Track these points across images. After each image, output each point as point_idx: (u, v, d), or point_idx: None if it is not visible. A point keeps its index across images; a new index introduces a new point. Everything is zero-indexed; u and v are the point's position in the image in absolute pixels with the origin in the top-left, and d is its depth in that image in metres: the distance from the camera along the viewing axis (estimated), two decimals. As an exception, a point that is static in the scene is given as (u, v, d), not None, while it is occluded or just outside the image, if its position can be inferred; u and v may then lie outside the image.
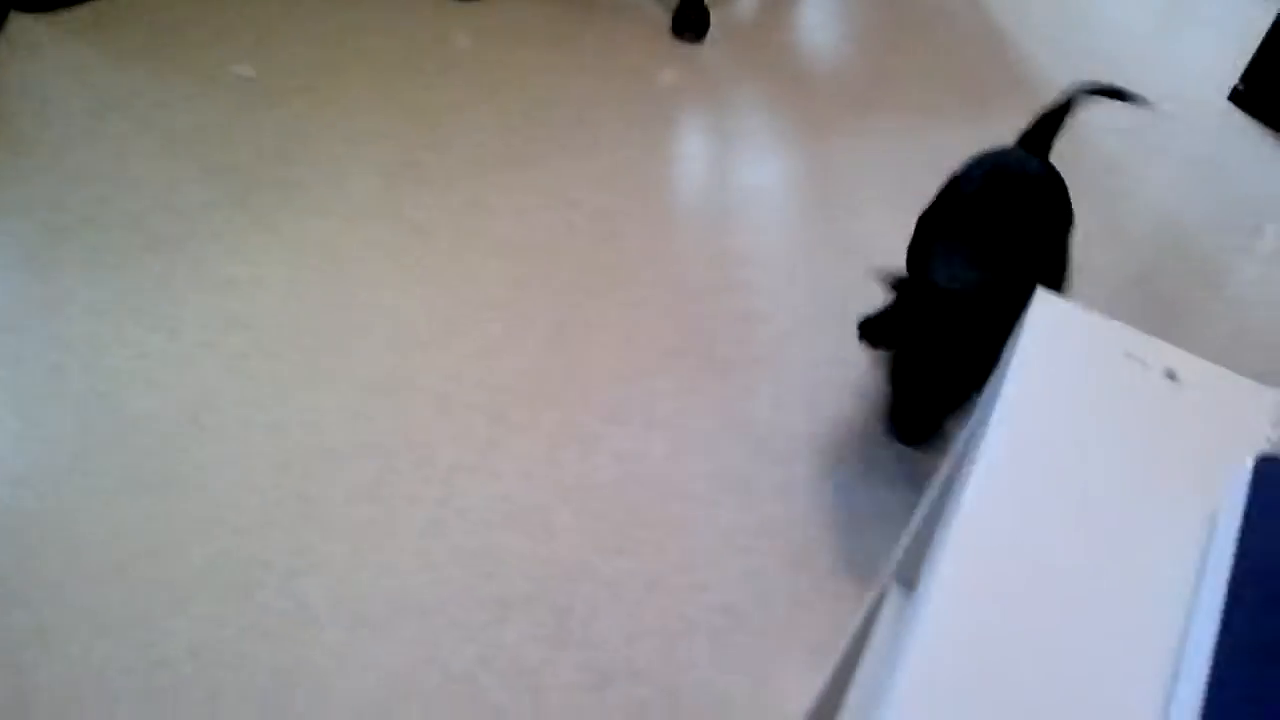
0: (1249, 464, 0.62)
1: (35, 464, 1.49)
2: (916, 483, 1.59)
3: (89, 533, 1.42)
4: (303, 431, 1.56)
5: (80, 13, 2.22)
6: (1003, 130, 1.77)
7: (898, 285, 1.55)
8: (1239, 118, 2.44)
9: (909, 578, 1.09)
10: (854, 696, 1.12)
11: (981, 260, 1.57)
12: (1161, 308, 1.98)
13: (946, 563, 0.60)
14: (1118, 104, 1.78)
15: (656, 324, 1.79)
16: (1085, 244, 1.69)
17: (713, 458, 1.61)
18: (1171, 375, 0.70)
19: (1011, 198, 1.66)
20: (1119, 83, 1.77)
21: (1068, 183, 1.67)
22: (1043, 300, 0.74)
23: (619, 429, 1.63)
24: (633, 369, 1.71)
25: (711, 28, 2.38)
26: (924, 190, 1.68)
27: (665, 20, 2.40)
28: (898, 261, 1.69)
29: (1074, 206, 1.66)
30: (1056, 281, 1.64)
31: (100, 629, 1.32)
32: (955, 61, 2.47)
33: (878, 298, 1.55)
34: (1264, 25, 2.38)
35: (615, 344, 1.75)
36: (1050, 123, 1.75)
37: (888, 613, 1.21)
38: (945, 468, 0.91)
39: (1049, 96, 1.75)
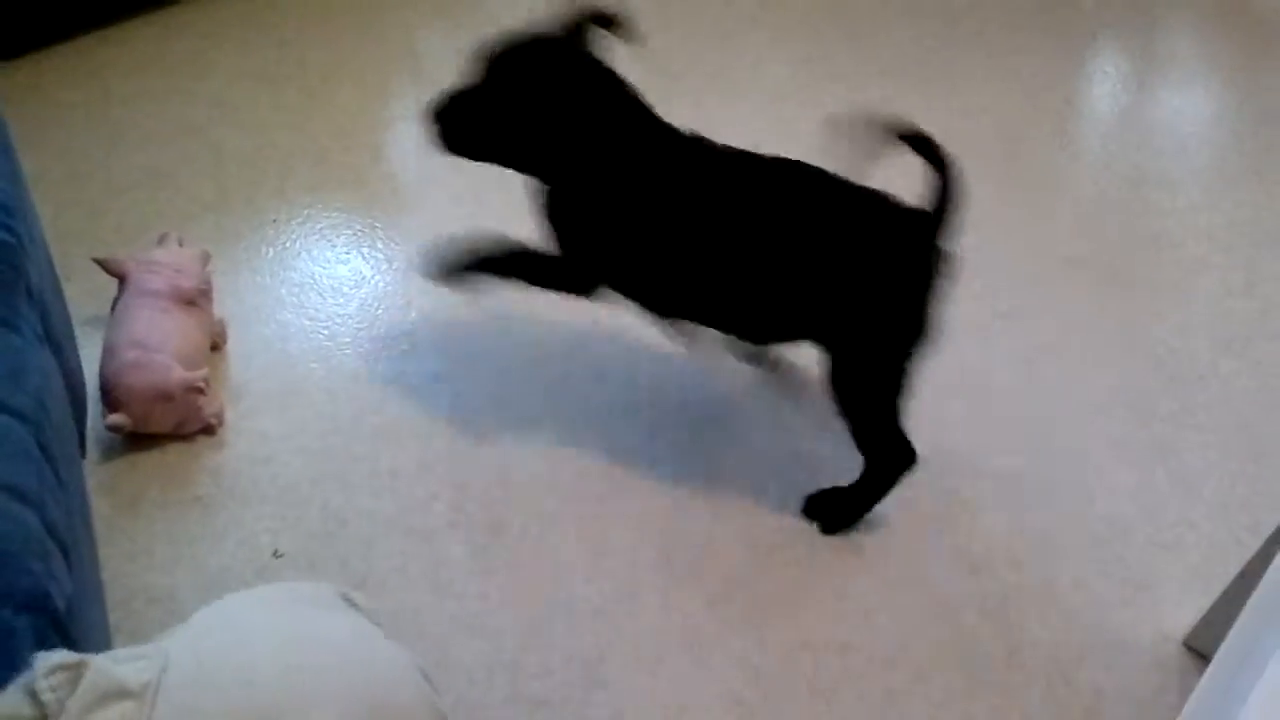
0: None
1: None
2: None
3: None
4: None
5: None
6: None
7: None
8: None
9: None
10: (1248, 619, 1.11)
11: None
12: None
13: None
14: None
15: (1058, 233, 1.79)
16: None
17: (1112, 371, 1.60)
18: None
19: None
20: None
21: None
22: None
23: (1016, 327, 1.65)
24: (1035, 272, 1.72)
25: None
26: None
27: (1097, -68, 2.32)
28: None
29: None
30: None
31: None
32: None
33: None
34: None
35: (1019, 248, 1.76)
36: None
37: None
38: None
39: None
